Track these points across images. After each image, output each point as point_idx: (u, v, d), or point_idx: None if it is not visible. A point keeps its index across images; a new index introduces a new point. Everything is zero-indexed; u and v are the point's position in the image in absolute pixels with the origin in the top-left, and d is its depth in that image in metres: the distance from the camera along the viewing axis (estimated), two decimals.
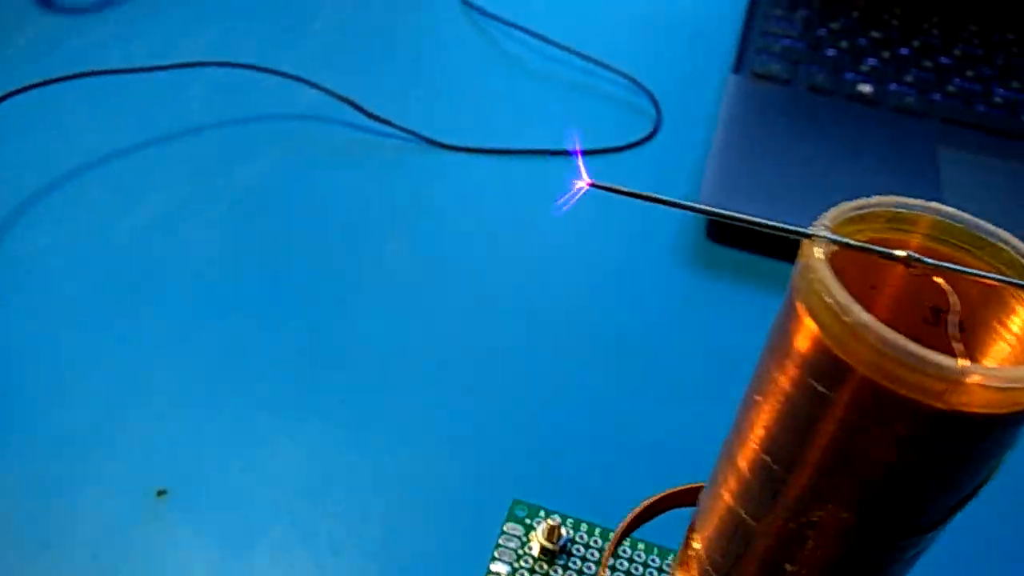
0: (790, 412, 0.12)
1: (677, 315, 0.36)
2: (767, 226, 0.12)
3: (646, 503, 0.19)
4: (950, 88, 0.48)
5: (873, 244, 0.12)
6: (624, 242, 0.40)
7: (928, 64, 0.50)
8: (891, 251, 0.11)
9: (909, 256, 0.11)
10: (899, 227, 0.12)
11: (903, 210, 0.12)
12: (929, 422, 0.10)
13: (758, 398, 0.13)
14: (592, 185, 0.13)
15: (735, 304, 0.37)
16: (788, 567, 0.13)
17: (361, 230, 0.39)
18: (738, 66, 0.49)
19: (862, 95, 0.47)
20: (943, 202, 0.40)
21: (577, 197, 0.13)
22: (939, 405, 0.10)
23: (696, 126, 0.47)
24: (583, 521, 0.25)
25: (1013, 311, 0.12)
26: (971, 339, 0.12)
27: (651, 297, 0.37)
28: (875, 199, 0.13)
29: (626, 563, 0.23)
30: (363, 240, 0.38)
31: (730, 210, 0.13)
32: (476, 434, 0.30)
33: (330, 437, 0.30)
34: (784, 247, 0.40)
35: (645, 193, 0.13)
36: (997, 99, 0.48)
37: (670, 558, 0.23)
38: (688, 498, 0.19)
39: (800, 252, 0.12)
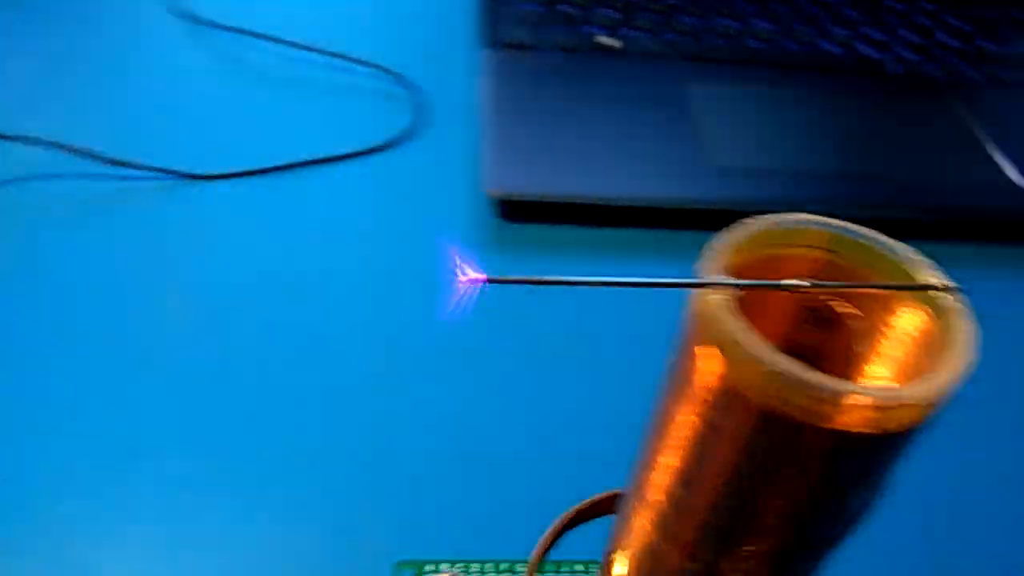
0: (699, 448, 0.11)
1: (494, 305, 0.36)
2: (666, 284, 0.11)
3: (569, 513, 0.19)
4: (681, 27, 0.51)
5: (763, 261, 0.11)
6: (416, 241, 0.38)
7: (657, 6, 0.52)
8: (783, 283, 0.11)
9: (799, 284, 0.11)
10: (785, 242, 0.12)
11: (785, 227, 0.12)
12: (843, 444, 0.10)
13: (666, 438, 0.12)
14: (490, 280, 0.11)
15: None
16: None
17: (135, 294, 0.34)
18: (487, 39, 0.48)
19: (607, 46, 0.48)
20: (699, 134, 0.41)
21: (469, 298, 0.12)
22: (869, 430, 0.10)
23: (461, 108, 0.46)
24: (474, 561, 0.23)
25: (897, 313, 0.12)
26: (865, 347, 0.12)
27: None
28: (755, 221, 0.12)
29: None
30: (141, 304, 0.34)
31: (615, 278, 0.12)
32: (322, 497, 0.28)
33: (153, 543, 0.26)
34: (576, 213, 0.41)
35: (549, 278, 0.11)
36: (722, 31, 0.51)
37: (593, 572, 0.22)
38: (610, 506, 0.18)
39: (693, 298, 0.11)
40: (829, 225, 0.12)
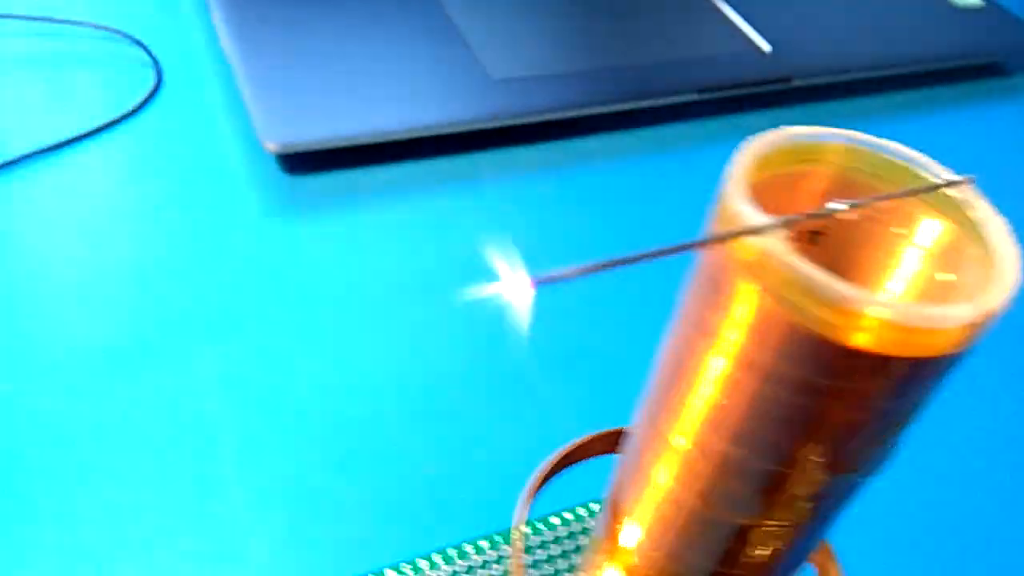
0: (756, 398, 0.10)
1: (301, 265, 0.33)
2: (715, 240, 0.10)
3: (555, 457, 0.17)
4: None
5: (779, 179, 0.10)
6: (201, 215, 0.34)
7: None
8: (827, 211, 0.10)
9: (852, 205, 0.10)
10: (801, 159, 0.11)
11: (803, 142, 0.11)
12: (907, 369, 0.10)
13: (691, 381, 0.11)
14: (543, 281, 0.09)
15: (347, 227, 0.34)
16: (752, 549, 0.12)
17: None
18: None
19: None
20: (469, 47, 0.40)
21: (523, 311, 0.09)
22: (937, 352, 0.09)
23: (205, 57, 0.41)
24: (421, 559, 0.21)
25: (923, 223, 0.11)
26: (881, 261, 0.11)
27: (261, 261, 0.33)
28: (770, 136, 0.11)
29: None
30: None
31: (660, 247, 0.10)
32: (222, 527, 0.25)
33: None
34: (365, 154, 0.38)
35: (601, 262, 0.09)
36: None
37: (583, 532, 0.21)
38: (602, 447, 0.17)
39: (744, 247, 0.10)
40: (847, 138, 0.11)
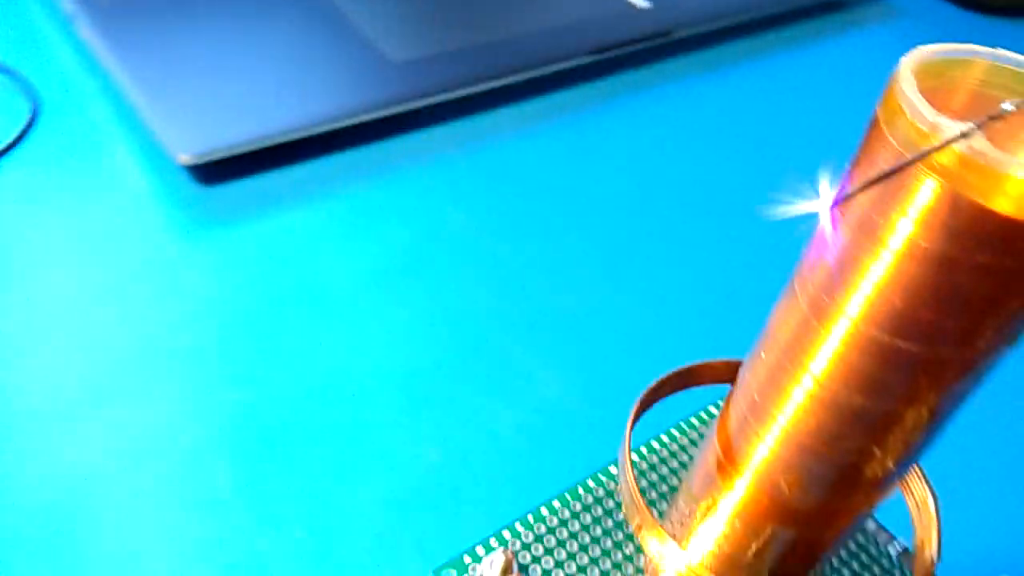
0: (927, 289, 0.11)
1: (236, 274, 0.31)
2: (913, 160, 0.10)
3: (663, 378, 0.17)
4: None
5: (927, 92, 0.11)
6: (122, 242, 0.32)
7: None
8: (1004, 112, 0.10)
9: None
10: (948, 73, 0.12)
11: (952, 57, 0.12)
12: None
13: (885, 290, 0.11)
14: (837, 201, 0.09)
15: (274, 230, 0.33)
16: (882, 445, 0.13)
17: None
18: None
19: None
20: (359, 28, 0.39)
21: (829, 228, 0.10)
22: None
23: (79, 73, 0.38)
24: (505, 530, 0.21)
25: None
26: None
27: (193, 277, 0.31)
28: (923, 52, 0.11)
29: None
30: None
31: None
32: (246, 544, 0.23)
33: None
34: (276, 155, 0.36)
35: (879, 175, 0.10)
36: None
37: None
38: (716, 375, 0.17)
39: (937, 156, 0.10)
40: (990, 55, 0.12)
